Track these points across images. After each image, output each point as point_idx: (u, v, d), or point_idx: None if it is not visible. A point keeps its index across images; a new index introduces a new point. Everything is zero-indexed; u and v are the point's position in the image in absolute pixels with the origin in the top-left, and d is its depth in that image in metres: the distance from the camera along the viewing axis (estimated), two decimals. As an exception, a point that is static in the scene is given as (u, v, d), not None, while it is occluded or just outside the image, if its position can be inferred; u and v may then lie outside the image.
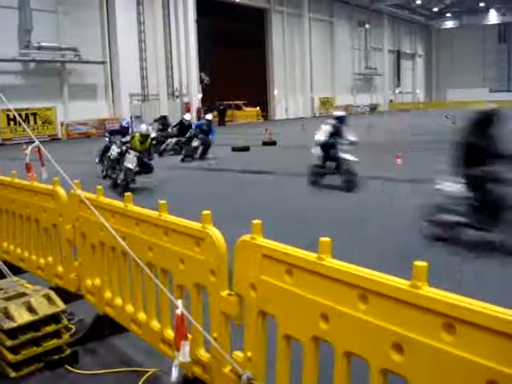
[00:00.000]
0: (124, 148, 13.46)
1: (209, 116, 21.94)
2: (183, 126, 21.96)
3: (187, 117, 23.32)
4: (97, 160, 15.73)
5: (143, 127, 13.91)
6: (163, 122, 25.73)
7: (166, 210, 3.72)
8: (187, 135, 21.26)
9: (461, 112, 46.87)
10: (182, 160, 19.77)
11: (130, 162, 13.00)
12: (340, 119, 13.42)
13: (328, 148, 12.98)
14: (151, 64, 40.05)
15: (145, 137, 13.33)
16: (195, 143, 20.26)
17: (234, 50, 49.77)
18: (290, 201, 11.71)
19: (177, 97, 42.36)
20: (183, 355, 3.13)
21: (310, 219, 9.76)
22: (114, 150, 14.50)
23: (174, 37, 42.04)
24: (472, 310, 1.98)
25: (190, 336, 3.32)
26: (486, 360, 1.93)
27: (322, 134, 13.34)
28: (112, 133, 15.98)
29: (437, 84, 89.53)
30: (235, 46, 49.83)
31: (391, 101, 76.48)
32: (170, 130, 23.35)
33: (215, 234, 3.26)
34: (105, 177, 14.64)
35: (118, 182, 13.29)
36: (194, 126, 21.65)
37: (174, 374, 3.19)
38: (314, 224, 9.13)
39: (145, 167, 13.30)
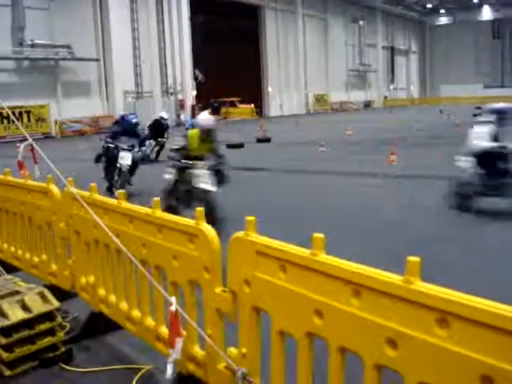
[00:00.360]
0: (183, 162, 8.20)
1: (163, 114, 19.62)
2: (160, 126, 18.66)
3: (165, 115, 19.83)
4: (103, 175, 12.06)
5: (204, 118, 8.91)
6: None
7: (159, 207, 3.72)
8: (165, 136, 18.60)
9: (454, 107, 46.87)
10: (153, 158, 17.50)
11: (205, 180, 7.89)
12: (501, 114, 9.50)
13: (493, 158, 9.22)
14: (145, 61, 40.02)
15: (207, 133, 8.33)
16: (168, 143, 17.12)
17: (228, 47, 49.76)
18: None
19: (171, 94, 42.31)
20: (176, 352, 3.13)
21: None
22: (125, 159, 11.61)
23: (167, 34, 42.02)
24: (465, 305, 1.98)
25: (184, 333, 3.32)
26: (479, 355, 1.93)
27: (479, 137, 9.37)
28: (114, 135, 12.31)
29: (431, 80, 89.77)
30: (230, 43, 49.82)
31: (385, 97, 76.61)
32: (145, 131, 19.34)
33: (209, 230, 3.26)
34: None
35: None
36: (188, 125, 18.49)
37: (169, 371, 3.19)
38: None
39: (220, 179, 8.20)
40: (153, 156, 18.27)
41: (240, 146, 22.80)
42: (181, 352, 3.16)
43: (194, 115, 41.77)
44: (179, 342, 3.12)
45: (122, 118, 13.11)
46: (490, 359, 1.90)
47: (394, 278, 2.22)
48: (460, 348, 1.99)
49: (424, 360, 2.12)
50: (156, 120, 19.07)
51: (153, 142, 18.30)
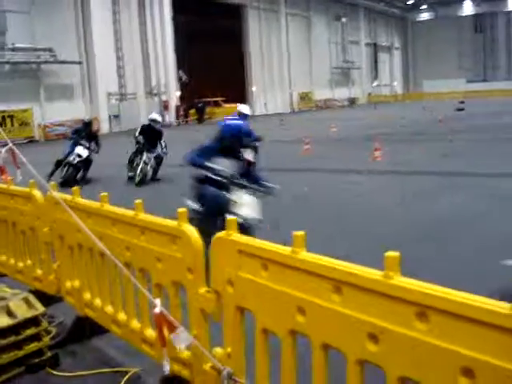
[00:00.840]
0: None
1: (245, 108, 12.54)
2: (152, 133, 14.28)
3: (157, 117, 15.01)
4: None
5: None
6: (86, 131, 15.20)
7: (141, 209, 3.72)
8: (163, 147, 14.20)
9: (437, 103, 47.11)
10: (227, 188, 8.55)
11: None
12: None
13: None
14: (128, 63, 39.89)
15: None
16: (249, 155, 10.62)
17: (211, 47, 49.62)
18: None
19: (155, 95, 42.21)
20: (183, 340, 3.09)
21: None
22: (248, 206, 6.10)
23: (150, 35, 41.90)
24: (443, 298, 2.00)
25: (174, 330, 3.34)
26: (460, 347, 1.96)
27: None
28: (207, 153, 5.89)
29: (414, 75, 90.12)
30: (213, 43, 49.70)
31: (369, 94, 76.86)
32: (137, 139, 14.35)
33: (191, 231, 3.27)
34: None
35: None
36: (222, 127, 8.53)
37: (166, 367, 3.23)
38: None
39: None
40: (149, 175, 14.23)
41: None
42: (188, 339, 3.09)
43: (178, 116, 41.81)
44: (181, 332, 3.09)
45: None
46: (470, 351, 1.93)
47: (374, 274, 2.25)
48: (440, 341, 2.02)
49: (405, 354, 2.14)
50: (144, 125, 14.71)
51: (151, 156, 14.09)
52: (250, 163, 10.14)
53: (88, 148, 14.60)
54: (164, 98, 42.96)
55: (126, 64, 39.76)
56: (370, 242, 7.44)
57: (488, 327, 1.88)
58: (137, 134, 14.44)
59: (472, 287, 2.26)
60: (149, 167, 14.02)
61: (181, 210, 3.35)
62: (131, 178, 14.13)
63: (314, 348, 2.52)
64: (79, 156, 14.25)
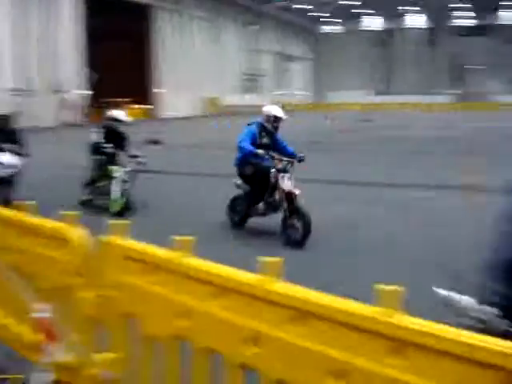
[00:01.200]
0: None
1: (276, 110, 8.67)
2: (114, 135, 10.33)
3: (122, 115, 10.64)
4: None
5: None
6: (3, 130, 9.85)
7: (26, 210, 3.60)
8: (137, 155, 10.21)
9: (340, 113, 48.23)
10: (263, 213, 8.55)
11: None
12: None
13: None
14: (29, 58, 38.51)
15: None
16: (286, 182, 8.05)
17: (120, 47, 48.98)
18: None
19: (56, 92, 40.97)
20: (50, 356, 3.05)
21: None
22: None
23: (53, 31, 40.67)
24: (317, 303, 2.08)
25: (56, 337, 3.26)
26: (333, 350, 2.04)
27: None
28: None
29: (322, 86, 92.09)
30: (121, 43, 49.05)
31: (277, 102, 77.95)
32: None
33: (79, 234, 3.20)
34: None
35: None
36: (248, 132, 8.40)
37: (49, 375, 3.14)
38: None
39: None
40: (117, 196, 9.78)
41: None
42: (53, 356, 3.08)
43: (82, 115, 40.73)
44: (53, 347, 3.06)
45: None
46: (343, 354, 2.01)
47: (253, 279, 2.30)
48: (315, 344, 2.09)
49: (282, 357, 2.20)
50: (106, 127, 10.53)
51: (127, 170, 10.06)
52: (290, 195, 7.92)
53: (17, 153, 9.66)
54: (66, 96, 41.77)
55: (28, 60, 38.35)
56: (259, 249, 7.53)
57: (358, 331, 1.97)
58: (95, 137, 10.41)
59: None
60: (127, 187, 9.90)
61: (69, 212, 3.27)
62: (84, 204, 10.12)
63: (196, 352, 2.54)
64: (10, 166, 9.47)
